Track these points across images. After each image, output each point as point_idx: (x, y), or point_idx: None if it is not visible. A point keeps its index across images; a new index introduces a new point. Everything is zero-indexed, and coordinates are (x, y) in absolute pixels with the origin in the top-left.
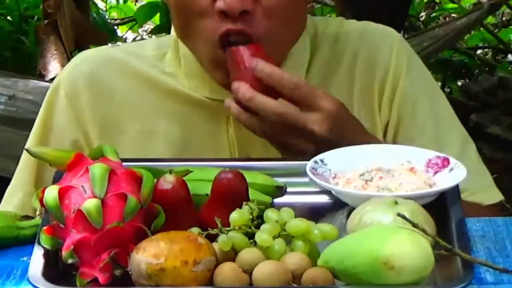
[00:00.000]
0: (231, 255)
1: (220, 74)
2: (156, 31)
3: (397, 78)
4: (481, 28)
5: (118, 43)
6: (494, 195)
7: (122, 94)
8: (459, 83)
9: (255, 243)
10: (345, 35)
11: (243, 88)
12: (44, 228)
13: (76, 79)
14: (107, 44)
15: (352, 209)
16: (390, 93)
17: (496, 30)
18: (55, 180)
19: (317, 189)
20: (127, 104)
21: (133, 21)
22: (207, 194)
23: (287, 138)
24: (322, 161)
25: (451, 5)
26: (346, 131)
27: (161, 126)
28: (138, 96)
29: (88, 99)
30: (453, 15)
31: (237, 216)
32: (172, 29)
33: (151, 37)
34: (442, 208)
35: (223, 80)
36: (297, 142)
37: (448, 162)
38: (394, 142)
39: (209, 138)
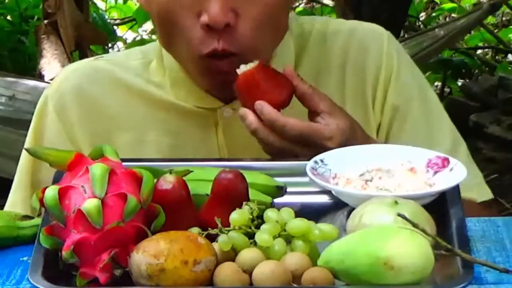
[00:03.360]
0: (231, 255)
1: (206, 82)
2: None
3: (388, 78)
4: (481, 28)
5: (118, 43)
6: (485, 193)
7: (110, 106)
8: (459, 83)
9: (255, 243)
10: (333, 34)
11: (267, 107)
12: (44, 228)
13: (64, 93)
14: (107, 44)
15: (352, 209)
16: (383, 93)
17: (496, 30)
18: (55, 180)
19: (317, 189)
20: (115, 116)
21: (133, 21)
22: (207, 194)
23: (302, 150)
24: (322, 161)
25: (451, 5)
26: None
27: (151, 136)
28: (126, 107)
29: (76, 113)
30: (453, 15)
31: (237, 216)
32: None
33: (151, 37)
34: (442, 208)
35: (209, 88)
36: (309, 153)
37: (448, 162)
38: (386, 142)
39: (198, 145)
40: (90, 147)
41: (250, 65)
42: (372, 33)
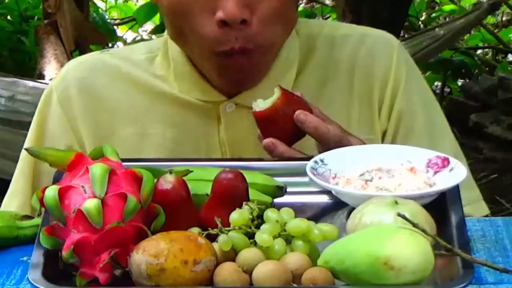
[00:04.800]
0: (231, 255)
1: (217, 77)
2: (156, 31)
3: (396, 87)
4: (481, 28)
5: (118, 43)
6: (481, 209)
7: (114, 99)
8: (459, 83)
9: (255, 243)
10: (343, 39)
11: (280, 147)
12: (44, 228)
13: (68, 85)
14: (107, 44)
15: (352, 209)
16: (390, 101)
17: (496, 30)
18: (55, 180)
19: (317, 189)
20: (119, 108)
21: (133, 21)
22: (207, 194)
23: None
24: (322, 161)
25: (451, 7)
26: None
27: (153, 129)
28: (130, 100)
29: (80, 105)
30: (453, 15)
31: (237, 216)
32: (165, 32)
33: (151, 37)
34: (442, 208)
35: (219, 83)
36: None
37: (448, 162)
38: None
39: (200, 139)
40: (93, 139)
41: (268, 101)
42: (383, 39)
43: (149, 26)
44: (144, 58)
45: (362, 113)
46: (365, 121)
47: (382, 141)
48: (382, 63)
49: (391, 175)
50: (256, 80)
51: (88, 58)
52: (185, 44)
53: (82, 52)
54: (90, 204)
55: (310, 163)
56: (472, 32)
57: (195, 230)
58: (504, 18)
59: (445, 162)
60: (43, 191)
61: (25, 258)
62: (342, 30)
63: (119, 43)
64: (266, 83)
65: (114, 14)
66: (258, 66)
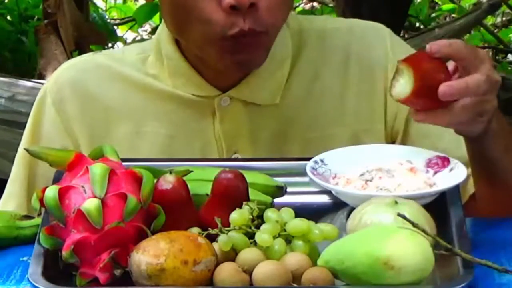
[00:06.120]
0: (231, 255)
1: (227, 61)
2: (156, 31)
3: None
4: (481, 28)
5: (118, 43)
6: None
7: (108, 99)
8: None
9: (255, 243)
10: (333, 31)
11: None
12: (44, 228)
13: (62, 87)
14: (107, 44)
15: (352, 209)
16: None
17: (496, 30)
18: (55, 180)
19: (317, 189)
20: (113, 108)
21: (133, 21)
22: (207, 194)
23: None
24: (322, 161)
25: (451, 6)
26: None
27: (148, 127)
28: (124, 99)
29: (74, 106)
30: (453, 15)
31: (237, 216)
32: (159, 29)
33: (151, 37)
34: (442, 208)
35: (228, 67)
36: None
37: (448, 162)
38: (404, 135)
39: (196, 134)
40: (88, 139)
41: (404, 84)
42: (373, 29)
43: (149, 26)
44: (136, 58)
45: (360, 105)
46: (363, 113)
47: (393, 126)
48: (377, 51)
49: (391, 175)
50: (261, 62)
51: (80, 60)
52: (189, 35)
53: (82, 52)
54: (90, 204)
55: (310, 163)
56: (472, 32)
57: (195, 230)
58: (504, 18)
59: (445, 162)
60: (43, 191)
61: (25, 258)
62: (331, 23)
63: (119, 43)
64: (262, 75)
65: (114, 14)
66: (264, 48)
